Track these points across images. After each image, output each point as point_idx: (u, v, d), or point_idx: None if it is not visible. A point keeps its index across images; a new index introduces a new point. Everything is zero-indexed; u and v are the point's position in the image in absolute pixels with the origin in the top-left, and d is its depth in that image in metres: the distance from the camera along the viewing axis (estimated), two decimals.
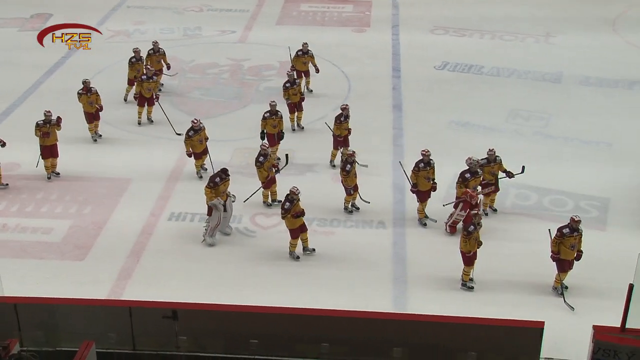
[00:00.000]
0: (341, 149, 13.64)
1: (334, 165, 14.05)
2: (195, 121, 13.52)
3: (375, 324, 9.60)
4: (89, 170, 14.14)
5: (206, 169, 13.86)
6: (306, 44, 16.53)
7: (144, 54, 16.42)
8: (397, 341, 9.56)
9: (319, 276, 11.41)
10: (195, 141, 13.50)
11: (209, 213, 11.99)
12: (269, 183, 12.78)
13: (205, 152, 13.78)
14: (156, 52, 16.68)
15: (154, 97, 15.49)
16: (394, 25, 21.07)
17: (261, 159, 12.57)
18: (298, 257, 11.70)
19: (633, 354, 8.89)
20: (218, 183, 11.96)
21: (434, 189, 12.29)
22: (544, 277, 10.97)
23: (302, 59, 16.44)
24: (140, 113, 15.72)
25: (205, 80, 18.08)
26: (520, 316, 9.78)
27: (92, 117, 14.94)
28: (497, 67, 18.43)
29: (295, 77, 15.57)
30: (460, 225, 11.85)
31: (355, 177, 12.55)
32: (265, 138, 13.83)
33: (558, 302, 10.69)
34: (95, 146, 15.03)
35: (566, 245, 10.54)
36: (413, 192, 12.33)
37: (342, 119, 13.77)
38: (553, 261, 10.69)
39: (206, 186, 11.98)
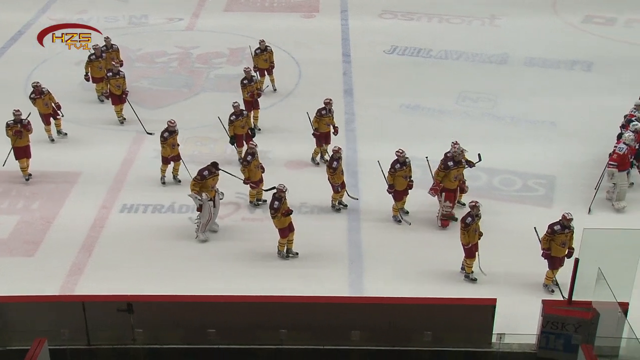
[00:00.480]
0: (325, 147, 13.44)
1: (317, 163, 13.68)
2: (172, 122, 12.89)
3: (332, 308, 9.71)
4: (36, 164, 13.77)
5: (179, 181, 13.21)
6: (263, 41, 15.96)
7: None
8: (354, 324, 9.69)
9: (275, 263, 11.43)
10: (168, 144, 12.88)
11: (199, 209, 11.70)
12: (257, 182, 12.35)
13: (177, 158, 13.12)
14: (109, 49, 16.05)
15: (123, 93, 14.93)
16: (343, 10, 21.09)
17: (249, 157, 12.12)
18: (287, 257, 11.45)
19: (579, 325, 9.23)
20: (206, 176, 11.55)
21: (411, 187, 12.03)
22: (495, 255, 11.24)
23: (263, 57, 15.92)
24: (118, 112, 15.10)
25: (153, 70, 17.80)
26: (472, 294, 10.03)
27: (49, 117, 14.40)
28: (445, 50, 18.66)
29: (258, 76, 15.17)
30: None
31: (342, 174, 12.32)
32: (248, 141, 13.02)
33: (507, 279, 10.93)
34: (41, 140, 14.63)
35: (557, 243, 10.34)
36: (390, 192, 12.01)
37: (324, 112, 13.37)
38: (544, 258, 10.61)
39: (193, 178, 11.64)
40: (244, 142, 13.37)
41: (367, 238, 11.97)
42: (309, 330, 9.72)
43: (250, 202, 12.69)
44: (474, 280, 10.90)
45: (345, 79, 17.31)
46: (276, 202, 11.06)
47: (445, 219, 12.00)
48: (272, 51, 16.00)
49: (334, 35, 19.58)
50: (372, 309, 9.70)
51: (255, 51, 15.95)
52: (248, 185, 12.40)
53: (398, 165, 11.83)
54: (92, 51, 15.57)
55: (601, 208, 12.41)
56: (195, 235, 11.85)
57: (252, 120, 14.57)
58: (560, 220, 10.43)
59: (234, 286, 10.47)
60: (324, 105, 13.46)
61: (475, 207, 10.66)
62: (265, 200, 12.33)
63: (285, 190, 11.10)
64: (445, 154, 12.01)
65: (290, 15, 20.87)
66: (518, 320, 9.89)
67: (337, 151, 12.13)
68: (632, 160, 12.46)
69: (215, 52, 18.59)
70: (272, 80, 16.33)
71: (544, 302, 9.62)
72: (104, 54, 15.70)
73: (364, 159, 13.96)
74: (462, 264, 11.04)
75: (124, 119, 15.20)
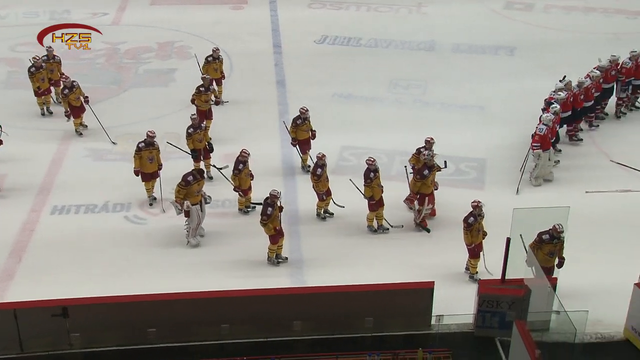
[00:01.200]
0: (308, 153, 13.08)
1: (307, 171, 12.91)
2: (151, 133, 12.14)
3: (273, 300, 9.72)
4: None
5: (155, 198, 12.46)
6: (217, 49, 15.30)
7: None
8: (296, 315, 9.74)
9: (215, 259, 11.34)
10: (145, 158, 12.09)
11: (187, 215, 11.33)
12: (246, 191, 11.99)
13: (155, 175, 12.35)
14: (50, 60, 15.09)
15: (84, 101, 14.19)
16: (272, 1, 20.98)
17: (240, 166, 11.73)
18: (279, 262, 11.17)
19: (513, 302, 9.56)
20: (190, 182, 11.11)
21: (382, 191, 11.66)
22: (431, 238, 11.48)
23: (214, 65, 15.05)
24: (78, 124, 14.36)
25: (80, 66, 17.21)
26: (413, 279, 10.21)
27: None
28: (374, 39, 18.85)
29: (210, 83, 14.26)
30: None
31: (327, 181, 11.93)
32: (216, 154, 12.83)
33: (443, 262, 11.19)
34: None
35: (544, 252, 9.84)
36: (372, 203, 11.62)
37: (299, 121, 12.97)
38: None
39: (178, 184, 11.20)
40: (202, 158, 12.78)
41: (305, 228, 12.01)
42: (251, 323, 9.71)
43: (240, 209, 12.22)
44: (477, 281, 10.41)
45: (277, 70, 17.27)
46: (269, 209, 10.69)
47: (425, 221, 11.81)
48: (222, 60, 15.36)
49: (263, 27, 19.49)
50: (313, 299, 9.77)
51: (206, 59, 15.14)
52: (237, 194, 12.02)
53: (372, 174, 11.45)
54: (32, 62, 14.66)
55: (528, 188, 12.83)
56: (187, 242, 11.52)
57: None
58: (550, 229, 9.85)
59: (173, 284, 10.30)
60: (299, 114, 13.02)
61: (477, 207, 10.49)
62: (254, 205, 11.98)
63: (280, 195, 10.80)
64: (418, 149, 12.01)
65: (219, 7, 20.60)
66: (456, 301, 10.14)
67: (320, 158, 11.77)
68: (552, 140, 12.94)
69: (143, 46, 18.19)
70: (220, 92, 15.49)
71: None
72: (44, 65, 14.80)
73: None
74: (467, 264, 10.86)
75: (85, 126, 14.42)
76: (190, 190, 11.20)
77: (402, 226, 11.82)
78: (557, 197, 12.27)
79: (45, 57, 15.05)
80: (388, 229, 11.81)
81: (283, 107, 15.59)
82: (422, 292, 9.79)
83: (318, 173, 11.74)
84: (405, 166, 12.09)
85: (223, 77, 15.42)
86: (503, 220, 10.38)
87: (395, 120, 15.03)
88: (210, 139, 13.35)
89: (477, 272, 10.74)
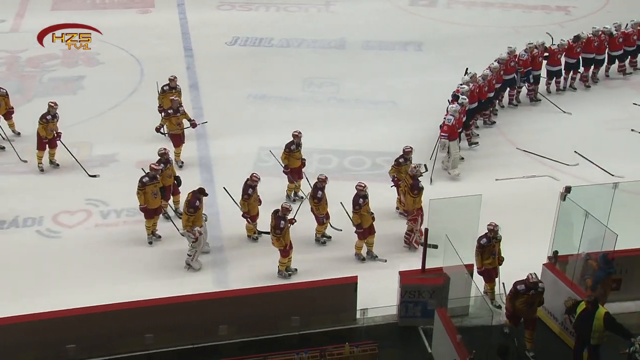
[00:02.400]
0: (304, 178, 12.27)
1: (294, 200, 12.35)
2: (156, 166, 11.24)
3: (198, 306, 9.64)
4: None
5: (159, 237, 11.70)
6: (174, 78, 14.13)
7: None
8: (221, 319, 9.69)
9: (137, 267, 11.11)
10: (150, 193, 11.26)
11: (196, 240, 10.84)
12: (254, 217, 11.50)
13: (158, 211, 11.47)
14: None
15: (56, 136, 13.07)
16: (180, 4, 20.70)
17: (250, 191, 11.25)
18: (289, 275, 10.88)
19: (434, 290, 9.86)
20: (198, 207, 10.75)
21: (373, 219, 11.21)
22: (353, 232, 11.67)
23: (170, 95, 13.83)
24: (40, 157, 13.16)
25: None
26: (337, 275, 10.32)
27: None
28: (286, 39, 18.92)
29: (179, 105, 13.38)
30: None
31: (327, 204, 11.40)
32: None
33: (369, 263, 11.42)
34: None
35: (519, 301, 9.36)
36: (360, 232, 11.12)
37: (293, 147, 12.07)
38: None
39: (185, 213, 10.77)
40: (171, 195, 11.97)
41: (228, 232, 11.94)
42: (176, 331, 9.58)
43: (249, 236, 11.70)
44: (498, 307, 10.15)
45: (190, 74, 17.07)
46: (282, 222, 10.44)
47: (418, 242, 11.31)
48: (180, 91, 14.07)
49: (173, 30, 19.21)
50: (237, 302, 9.73)
51: (162, 88, 13.99)
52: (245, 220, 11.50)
53: (361, 200, 10.95)
54: None
55: (440, 178, 13.22)
56: (187, 267, 11.03)
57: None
58: (524, 280, 9.43)
59: (93, 296, 10.01)
60: (292, 139, 12.20)
61: (493, 230, 10.02)
62: (261, 234, 11.57)
63: (291, 208, 10.60)
64: (397, 159, 11.77)
65: (125, 12, 20.17)
66: (380, 293, 10.34)
67: (322, 180, 11.24)
68: (459, 130, 13.41)
69: (47, 54, 17.51)
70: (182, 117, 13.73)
71: (400, 273, 10.15)
72: None
73: (217, 154, 13.90)
74: (485, 289, 10.30)
75: (57, 164, 13.21)
76: (197, 215, 10.80)
77: (386, 260, 11.32)
78: (469, 186, 12.67)
79: None
80: (377, 256, 11.30)
81: (197, 111, 15.41)
82: (346, 287, 9.93)
83: (319, 196, 11.22)
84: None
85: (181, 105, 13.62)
86: None
87: (311, 118, 15.15)
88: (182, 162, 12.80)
89: (494, 300, 10.22)
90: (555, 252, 10.13)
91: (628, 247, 10.00)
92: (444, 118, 13.15)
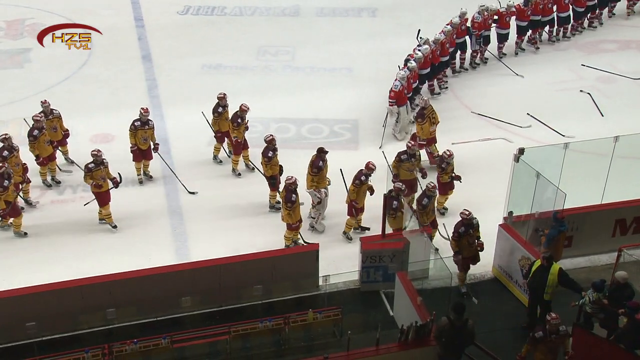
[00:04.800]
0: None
1: (272, 207, 11.72)
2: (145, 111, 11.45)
3: (158, 278, 9.59)
4: None
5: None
6: (224, 96, 12.47)
7: None
8: (183, 291, 9.69)
9: (95, 243, 11.00)
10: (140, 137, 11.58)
11: (319, 203, 11.02)
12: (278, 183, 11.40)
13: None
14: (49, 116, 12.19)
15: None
16: None
17: (270, 153, 11.25)
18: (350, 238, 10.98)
19: (394, 255, 10.03)
20: (321, 167, 10.89)
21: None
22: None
23: (226, 115, 12.41)
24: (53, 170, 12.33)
25: None
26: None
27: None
28: (239, 7, 18.66)
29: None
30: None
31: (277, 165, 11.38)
32: None
33: (327, 224, 11.51)
34: None
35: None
36: (356, 208, 10.95)
37: (271, 154, 11.39)
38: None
39: (309, 173, 10.97)
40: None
41: (185, 200, 11.87)
42: (137, 304, 9.54)
43: (272, 206, 11.63)
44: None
45: (142, 44, 16.73)
46: (293, 195, 10.34)
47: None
48: (154, 127, 12.31)
49: (122, 0, 18.71)
50: (198, 273, 9.73)
51: (134, 123, 12.00)
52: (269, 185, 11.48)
53: (364, 177, 10.80)
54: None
55: (393, 142, 13.26)
56: (311, 229, 11.17)
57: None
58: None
59: (50, 275, 9.88)
60: (266, 144, 11.38)
61: (467, 218, 9.78)
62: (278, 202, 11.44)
63: (297, 182, 10.47)
64: (399, 154, 11.22)
65: None
66: (340, 261, 10.50)
67: (271, 140, 11.24)
68: (408, 95, 13.48)
69: None
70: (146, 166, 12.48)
71: (361, 239, 10.28)
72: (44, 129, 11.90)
73: (173, 126, 13.73)
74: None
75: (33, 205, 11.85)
76: (321, 174, 10.85)
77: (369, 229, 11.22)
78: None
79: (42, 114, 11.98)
80: (351, 238, 11.16)
81: (151, 82, 15.18)
82: (308, 255, 10.03)
83: (269, 155, 11.18)
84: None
85: (155, 148, 12.31)
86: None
87: (267, 87, 15.08)
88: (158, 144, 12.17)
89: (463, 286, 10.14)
90: (510, 213, 10.38)
91: (579, 204, 10.33)
92: (393, 84, 13.21)
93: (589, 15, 17.12)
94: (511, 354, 9.01)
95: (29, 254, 10.77)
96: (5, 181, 10.66)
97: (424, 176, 11.33)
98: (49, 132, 11.88)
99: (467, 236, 9.79)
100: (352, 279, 10.29)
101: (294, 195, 10.41)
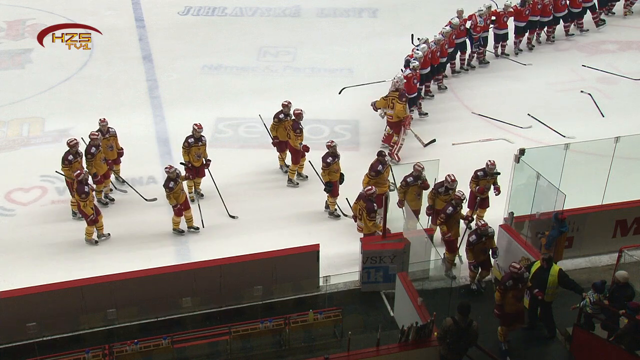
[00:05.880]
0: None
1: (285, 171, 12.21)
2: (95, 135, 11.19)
3: (159, 279, 9.60)
4: None
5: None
6: (288, 103, 12.39)
7: None
8: (184, 291, 9.69)
9: (96, 248, 11.00)
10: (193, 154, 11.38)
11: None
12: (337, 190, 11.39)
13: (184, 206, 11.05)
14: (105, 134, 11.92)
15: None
16: None
17: (329, 159, 11.24)
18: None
19: (394, 255, 10.02)
20: (380, 171, 10.82)
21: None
22: (315, 202, 11.72)
23: (286, 123, 12.27)
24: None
25: None
26: (300, 244, 10.41)
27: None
28: (239, 7, 18.65)
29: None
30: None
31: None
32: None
33: (328, 224, 11.49)
34: None
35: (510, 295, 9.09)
36: (330, 189, 11.35)
37: (330, 159, 11.31)
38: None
39: (368, 175, 10.97)
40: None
41: None
42: (138, 304, 9.54)
43: (331, 213, 11.61)
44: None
45: (142, 45, 16.73)
46: (330, 158, 11.06)
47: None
48: (115, 134, 11.96)
49: (123, 1, 18.71)
50: (200, 274, 9.74)
51: (187, 140, 11.66)
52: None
53: (330, 159, 11.18)
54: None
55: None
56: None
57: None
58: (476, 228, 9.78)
59: (51, 275, 9.90)
60: (281, 109, 11.91)
61: (484, 226, 9.84)
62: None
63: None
64: (436, 184, 10.78)
65: None
66: (341, 261, 10.49)
67: (330, 145, 11.28)
68: (412, 95, 13.37)
69: None
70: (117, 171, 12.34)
71: (361, 240, 10.28)
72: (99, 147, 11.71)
73: (174, 126, 13.72)
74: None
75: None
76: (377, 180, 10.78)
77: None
78: (427, 151, 12.89)
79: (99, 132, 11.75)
80: (339, 215, 11.45)
81: (152, 83, 15.19)
82: (309, 256, 10.02)
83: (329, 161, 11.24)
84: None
85: (119, 153, 12.24)
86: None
87: (268, 88, 15.08)
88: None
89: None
90: (511, 213, 10.38)
91: (580, 205, 10.32)
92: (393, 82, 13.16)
93: (576, 20, 16.98)
94: (511, 354, 9.00)
95: (29, 254, 10.76)
96: (86, 187, 10.58)
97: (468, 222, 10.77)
98: (104, 150, 11.72)
99: (480, 244, 9.84)
100: (353, 279, 10.28)
101: (375, 205, 10.25)
